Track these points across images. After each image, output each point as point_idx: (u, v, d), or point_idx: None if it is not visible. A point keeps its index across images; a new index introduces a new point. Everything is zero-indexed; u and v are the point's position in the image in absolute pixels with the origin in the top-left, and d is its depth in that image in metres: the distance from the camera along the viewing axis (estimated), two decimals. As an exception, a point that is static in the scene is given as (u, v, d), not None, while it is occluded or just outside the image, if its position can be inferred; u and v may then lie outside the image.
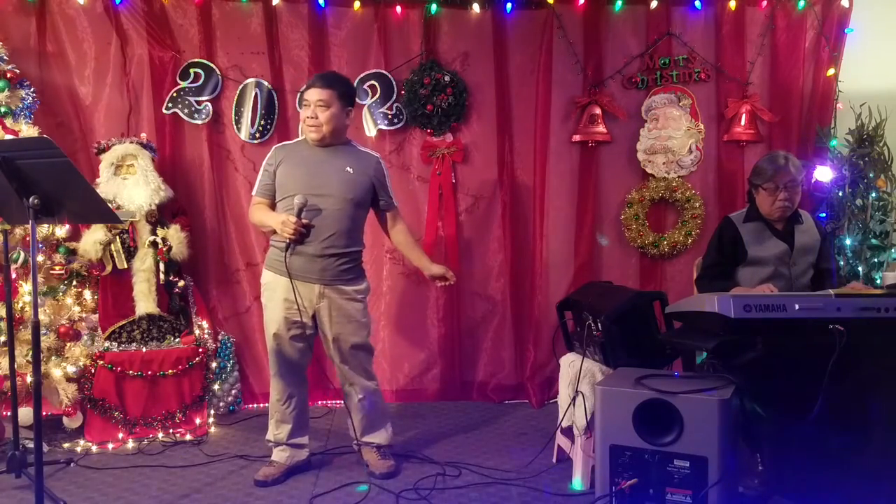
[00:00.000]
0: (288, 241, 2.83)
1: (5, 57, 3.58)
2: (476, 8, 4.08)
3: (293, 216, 2.81)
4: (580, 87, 4.17)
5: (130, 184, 3.64)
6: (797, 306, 2.38)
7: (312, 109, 2.88)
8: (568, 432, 3.10)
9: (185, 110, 3.96)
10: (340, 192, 2.88)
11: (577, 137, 4.17)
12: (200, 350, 3.67)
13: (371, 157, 3.04)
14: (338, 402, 4.12)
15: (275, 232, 2.92)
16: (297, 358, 3.00)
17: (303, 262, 2.88)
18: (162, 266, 3.67)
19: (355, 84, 4.01)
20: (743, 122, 4.15)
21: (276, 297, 2.94)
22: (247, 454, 3.31)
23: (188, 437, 3.55)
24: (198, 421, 3.63)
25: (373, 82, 4.06)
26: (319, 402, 4.13)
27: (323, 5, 4.01)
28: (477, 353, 4.28)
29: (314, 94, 2.88)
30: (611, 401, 2.47)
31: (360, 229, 3.02)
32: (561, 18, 4.10)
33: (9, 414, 3.05)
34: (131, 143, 3.70)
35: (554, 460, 3.22)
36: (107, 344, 3.57)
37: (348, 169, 2.92)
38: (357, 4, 4.02)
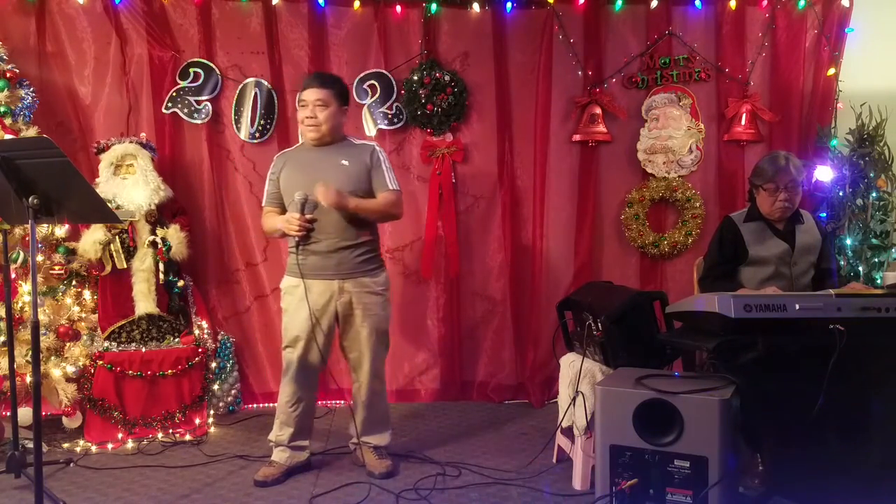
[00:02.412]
0: (296, 239, 2.86)
1: (5, 57, 3.58)
2: (476, 7, 4.07)
3: (296, 213, 2.83)
4: (580, 87, 4.16)
5: (130, 184, 3.64)
6: (797, 306, 2.38)
7: (311, 109, 2.92)
8: (568, 432, 3.09)
9: (185, 110, 3.96)
10: (337, 185, 2.87)
11: (577, 137, 4.17)
12: (200, 350, 3.67)
13: (366, 147, 3.05)
14: (338, 402, 4.12)
15: (285, 235, 2.95)
16: (313, 361, 3.01)
17: (318, 261, 2.92)
18: (161, 266, 3.67)
19: (355, 84, 4.02)
20: (743, 122, 4.15)
21: (298, 300, 2.95)
22: (246, 454, 3.31)
23: (188, 437, 3.55)
24: (197, 421, 3.63)
25: (373, 82, 4.05)
26: (319, 402, 4.11)
27: (323, 5, 4.01)
28: (477, 353, 4.28)
29: (312, 94, 2.92)
30: (611, 401, 2.47)
31: (367, 220, 2.99)
32: (561, 18, 4.10)
33: (8, 414, 3.04)
34: (131, 142, 3.70)
35: (554, 460, 3.22)
36: (106, 344, 3.57)
37: (343, 162, 2.96)
38: (357, 4, 4.02)
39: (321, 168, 2.94)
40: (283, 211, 3.01)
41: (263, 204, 3.10)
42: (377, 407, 3.13)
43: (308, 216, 2.84)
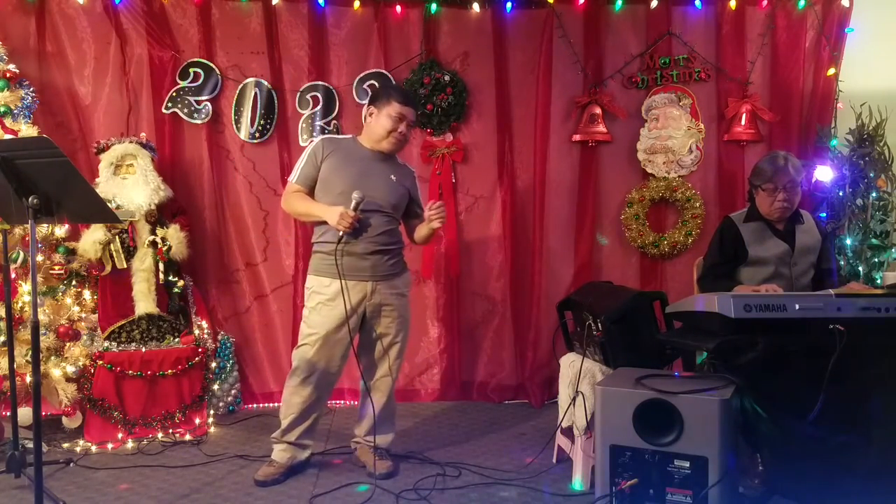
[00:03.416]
0: (341, 233, 2.85)
1: (5, 57, 3.58)
2: (476, 7, 4.08)
3: (350, 210, 2.83)
4: (580, 87, 4.17)
5: (130, 183, 3.64)
6: (797, 306, 2.38)
7: (405, 127, 3.00)
8: (568, 432, 3.09)
9: (185, 110, 3.96)
10: (387, 197, 2.99)
11: (577, 137, 4.17)
12: (200, 350, 3.67)
13: (408, 170, 3.18)
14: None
15: (316, 225, 2.98)
16: (336, 361, 3.00)
17: (353, 261, 2.93)
18: (161, 266, 3.67)
19: (355, 84, 4.02)
20: (743, 122, 4.15)
21: (328, 299, 2.94)
22: (246, 454, 3.31)
23: (188, 437, 3.55)
24: (197, 421, 3.63)
25: (372, 82, 4.05)
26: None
27: (323, 5, 4.01)
28: (477, 353, 4.28)
29: (411, 114, 3.01)
30: (611, 401, 2.47)
31: (399, 229, 3.12)
32: (561, 18, 4.10)
33: (8, 414, 3.04)
34: (131, 142, 3.70)
35: (554, 460, 3.22)
36: (106, 344, 3.57)
37: (392, 177, 3.03)
38: (357, 4, 4.02)
39: (374, 175, 2.98)
40: (311, 194, 3.00)
41: (293, 180, 3.00)
42: (389, 407, 3.16)
43: (360, 216, 2.88)
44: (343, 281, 2.90)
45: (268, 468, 3.02)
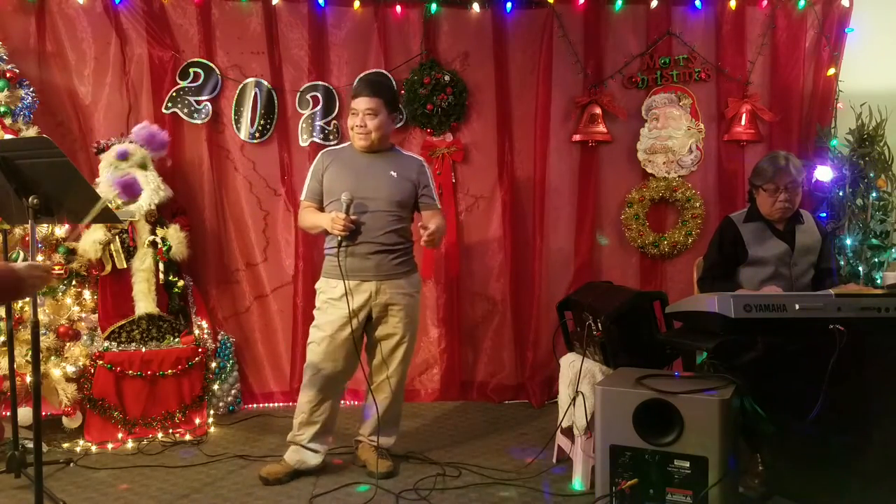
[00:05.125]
0: (339, 238, 2.86)
1: (5, 57, 3.58)
2: (476, 7, 4.08)
3: (342, 213, 2.84)
4: (580, 87, 4.17)
5: (130, 183, 3.64)
6: (797, 306, 2.38)
7: (361, 118, 2.94)
8: (568, 432, 3.09)
9: (185, 110, 3.96)
10: (386, 195, 2.95)
11: (577, 137, 4.17)
12: (200, 350, 3.67)
13: (414, 161, 3.10)
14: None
15: (326, 234, 2.97)
16: (341, 361, 2.99)
17: (356, 262, 2.93)
18: (161, 266, 3.67)
19: (355, 84, 4.01)
20: (743, 122, 4.15)
21: (331, 299, 2.96)
22: (246, 454, 3.31)
23: (188, 437, 3.55)
24: (197, 421, 3.63)
25: (373, 82, 4.05)
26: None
27: (323, 5, 4.01)
28: (477, 353, 4.28)
29: (363, 104, 2.94)
30: (611, 401, 2.47)
31: (408, 227, 3.06)
32: (561, 18, 4.10)
33: (8, 414, 3.04)
34: (131, 142, 3.70)
35: (554, 460, 3.22)
36: (106, 344, 3.57)
37: (392, 173, 2.98)
38: (357, 4, 4.02)
39: (370, 174, 2.96)
40: (321, 208, 3.03)
41: (303, 198, 3.10)
42: (394, 408, 3.15)
43: (353, 217, 2.87)
44: (346, 282, 2.90)
45: (275, 465, 3.03)
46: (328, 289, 3.00)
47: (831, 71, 4.17)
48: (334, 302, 2.96)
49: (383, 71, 4.03)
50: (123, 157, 3.57)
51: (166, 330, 3.68)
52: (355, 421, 3.27)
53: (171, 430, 3.56)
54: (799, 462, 2.58)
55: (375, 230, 2.93)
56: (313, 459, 3.06)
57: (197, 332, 3.76)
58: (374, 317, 3.01)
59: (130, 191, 3.50)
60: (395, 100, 3.09)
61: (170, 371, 3.56)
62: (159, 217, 3.74)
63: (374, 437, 3.12)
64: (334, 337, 2.96)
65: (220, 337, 3.96)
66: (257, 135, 4.02)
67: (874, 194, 4.03)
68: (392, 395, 3.11)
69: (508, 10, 4.09)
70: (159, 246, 3.66)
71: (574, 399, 2.93)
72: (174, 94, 3.94)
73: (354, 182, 2.93)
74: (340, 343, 2.96)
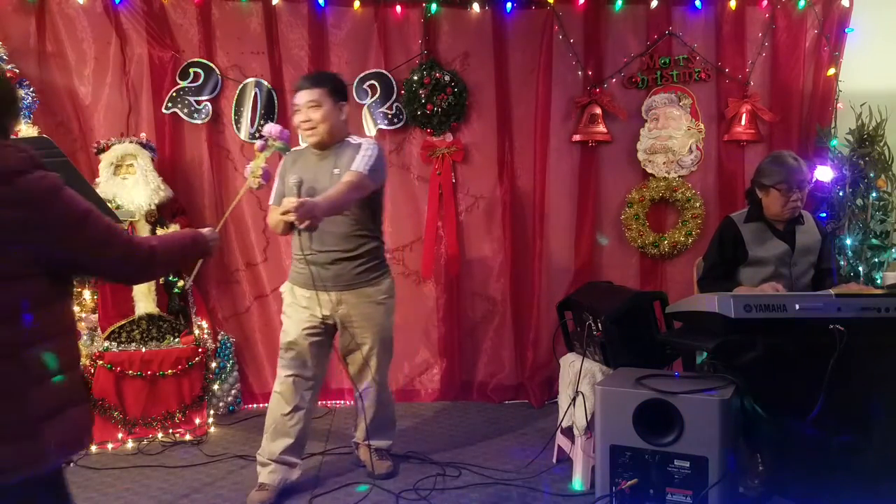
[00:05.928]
0: (297, 229, 2.55)
1: (5, 57, 3.58)
2: (476, 7, 4.07)
3: (293, 198, 2.52)
4: (580, 87, 4.17)
5: (130, 184, 3.64)
6: (797, 306, 2.38)
7: (304, 112, 2.79)
8: (568, 432, 3.09)
9: (185, 110, 3.96)
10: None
11: (577, 137, 4.17)
12: (200, 350, 3.67)
13: (356, 146, 2.80)
14: (338, 402, 4.12)
15: (291, 227, 2.61)
16: (310, 368, 2.87)
17: (317, 271, 2.77)
18: (161, 266, 3.66)
19: (355, 84, 4.02)
20: (743, 122, 4.15)
21: (296, 304, 2.87)
22: (246, 454, 3.31)
23: (188, 437, 3.55)
24: (197, 421, 3.63)
25: (372, 82, 4.05)
26: (319, 403, 4.12)
27: (323, 5, 4.01)
28: (477, 353, 4.28)
29: (303, 97, 2.79)
30: (611, 401, 2.47)
31: (368, 227, 2.86)
32: (561, 18, 4.10)
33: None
34: (131, 142, 3.70)
35: (554, 460, 3.22)
36: (106, 344, 3.57)
37: (335, 171, 2.76)
38: (357, 4, 4.02)
39: (318, 176, 2.78)
40: None
41: (270, 202, 2.93)
42: (381, 414, 3.08)
43: (306, 199, 2.50)
44: (300, 289, 2.81)
45: (259, 492, 2.81)
46: (287, 293, 2.91)
47: (831, 71, 4.17)
48: (295, 305, 2.87)
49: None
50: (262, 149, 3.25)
51: (166, 330, 3.68)
52: (354, 421, 3.27)
53: (171, 430, 3.56)
54: (799, 462, 2.58)
55: (332, 238, 2.77)
56: (293, 473, 2.90)
57: (197, 332, 3.76)
58: (339, 327, 2.90)
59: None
60: (340, 88, 2.85)
61: (170, 371, 3.56)
62: (159, 217, 3.74)
63: (365, 440, 3.10)
64: (297, 343, 2.84)
65: (220, 337, 3.96)
66: (257, 135, 4.02)
67: (874, 194, 4.03)
68: (375, 402, 3.02)
69: (508, 10, 4.09)
70: (159, 246, 3.66)
71: (574, 399, 2.93)
72: (174, 94, 3.94)
73: (307, 184, 2.67)
74: (304, 349, 2.85)
